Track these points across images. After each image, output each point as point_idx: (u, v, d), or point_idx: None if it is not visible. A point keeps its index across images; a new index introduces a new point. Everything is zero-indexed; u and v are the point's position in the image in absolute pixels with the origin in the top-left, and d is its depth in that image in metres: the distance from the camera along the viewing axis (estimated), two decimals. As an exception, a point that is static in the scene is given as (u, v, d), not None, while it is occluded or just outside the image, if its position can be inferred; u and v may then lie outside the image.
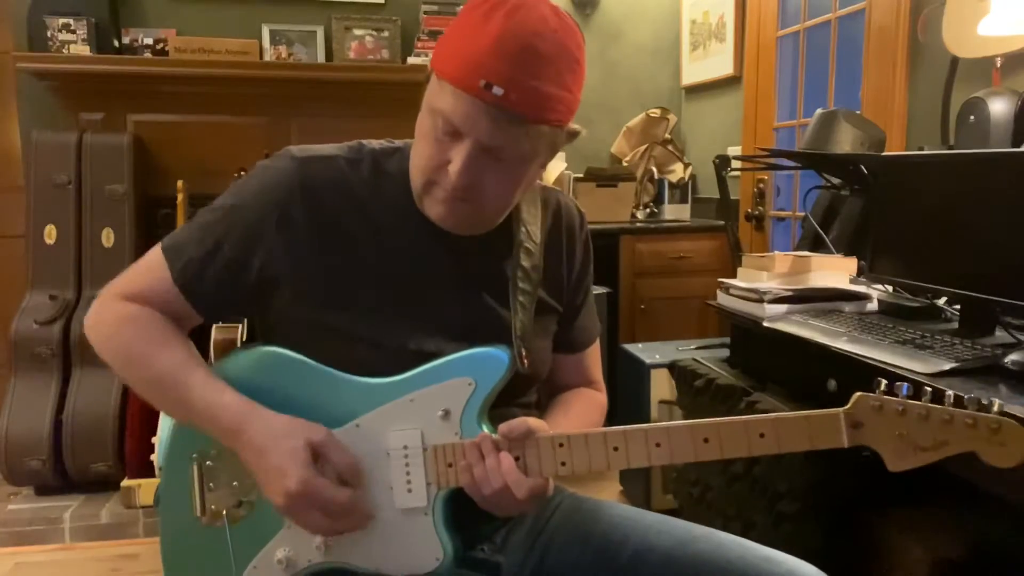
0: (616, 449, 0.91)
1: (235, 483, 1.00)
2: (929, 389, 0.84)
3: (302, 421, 0.93)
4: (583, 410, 1.12)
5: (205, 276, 0.98)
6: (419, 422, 0.95)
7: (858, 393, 0.85)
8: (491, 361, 0.95)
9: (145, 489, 2.59)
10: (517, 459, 0.91)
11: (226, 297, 1.00)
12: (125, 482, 2.62)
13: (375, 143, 1.04)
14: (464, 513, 0.96)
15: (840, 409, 0.85)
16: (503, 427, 0.92)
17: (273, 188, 0.97)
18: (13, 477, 2.71)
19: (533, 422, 0.93)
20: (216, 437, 0.96)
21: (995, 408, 0.80)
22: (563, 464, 0.92)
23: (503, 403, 0.98)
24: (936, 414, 0.82)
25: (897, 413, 0.83)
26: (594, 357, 1.20)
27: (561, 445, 0.92)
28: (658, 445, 0.90)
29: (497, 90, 0.85)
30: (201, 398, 0.94)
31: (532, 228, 1.05)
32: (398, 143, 1.05)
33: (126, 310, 0.99)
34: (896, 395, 0.84)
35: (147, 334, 0.98)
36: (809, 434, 0.87)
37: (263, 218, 0.96)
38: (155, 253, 1.01)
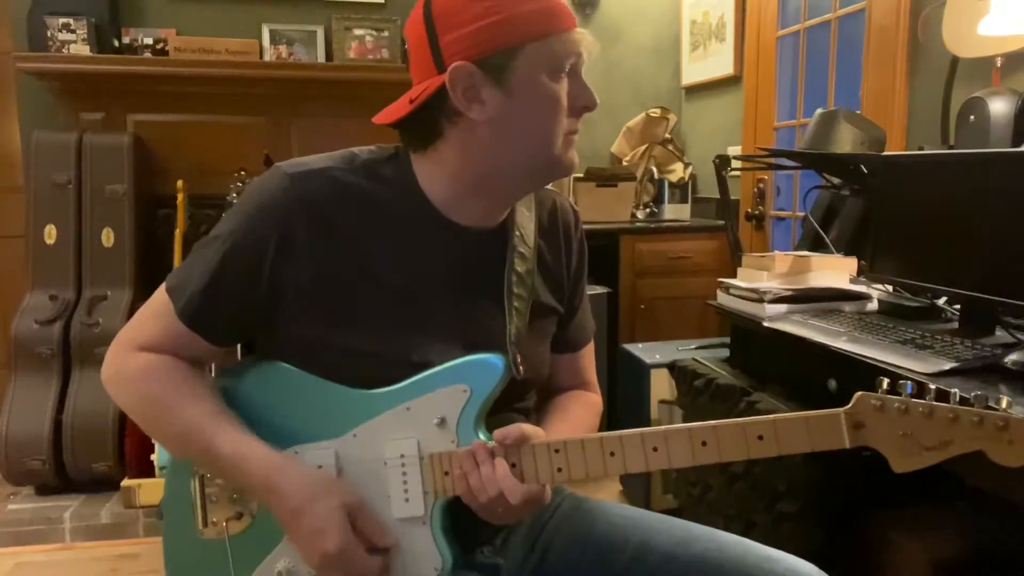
0: (613, 454, 0.90)
1: (235, 496, 0.99)
2: (933, 387, 0.82)
3: (335, 480, 0.94)
4: (581, 414, 1.11)
5: (211, 308, 0.96)
6: (416, 431, 0.94)
7: (859, 392, 0.84)
8: (486, 368, 0.94)
9: (145, 489, 2.59)
10: (513, 466, 0.91)
11: (236, 324, 0.99)
12: (125, 482, 2.61)
13: (366, 151, 1.01)
14: (464, 514, 0.96)
15: (841, 409, 0.84)
16: (498, 433, 0.91)
17: (271, 209, 0.94)
18: (13, 477, 2.71)
19: (528, 428, 0.93)
20: (245, 489, 0.96)
21: (1002, 406, 0.79)
22: (559, 470, 0.91)
23: (500, 409, 0.98)
24: (940, 412, 0.80)
25: (900, 412, 0.81)
26: (589, 358, 1.20)
27: (557, 451, 0.91)
28: (655, 449, 0.89)
29: (576, 14, 0.95)
30: (230, 450, 0.92)
31: (526, 232, 1.05)
32: (390, 148, 1.02)
33: (142, 361, 0.97)
34: (899, 394, 0.82)
35: (168, 386, 0.96)
36: (809, 436, 0.85)
37: (264, 241, 0.94)
38: (160, 295, 0.99)
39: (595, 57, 0.96)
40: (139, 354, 0.97)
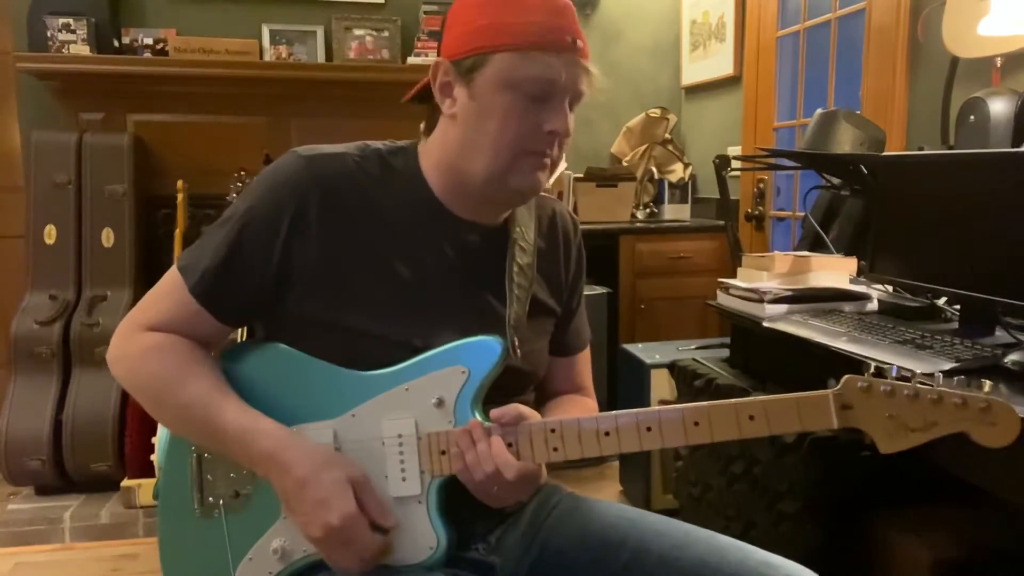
0: (607, 434, 0.92)
1: (232, 474, 1.00)
2: (918, 371, 0.84)
3: (340, 454, 0.95)
4: (579, 412, 1.11)
5: (223, 285, 0.97)
6: (414, 411, 0.95)
7: (847, 375, 0.86)
8: (484, 349, 0.95)
9: (145, 489, 2.59)
10: (509, 445, 0.92)
11: (246, 302, 0.99)
12: (125, 482, 2.62)
13: (378, 143, 1.05)
14: (459, 510, 0.97)
15: (829, 390, 0.86)
16: (495, 412, 0.93)
17: (285, 187, 0.97)
18: (13, 477, 2.71)
19: (525, 409, 0.94)
20: (248, 464, 0.96)
21: (985, 389, 0.80)
22: (555, 450, 0.92)
23: (500, 401, 0.98)
24: (925, 394, 0.81)
25: (886, 394, 0.83)
26: (585, 363, 1.21)
27: (553, 431, 0.92)
28: (649, 429, 0.90)
29: (579, 43, 0.94)
30: (235, 423, 0.93)
31: (526, 230, 1.07)
32: (402, 143, 1.05)
33: (149, 340, 0.98)
34: (885, 378, 0.84)
35: (173, 362, 0.97)
36: (799, 416, 0.87)
37: (278, 218, 0.96)
38: (171, 275, 1.00)
39: (596, 88, 0.97)
40: (144, 334, 0.99)
